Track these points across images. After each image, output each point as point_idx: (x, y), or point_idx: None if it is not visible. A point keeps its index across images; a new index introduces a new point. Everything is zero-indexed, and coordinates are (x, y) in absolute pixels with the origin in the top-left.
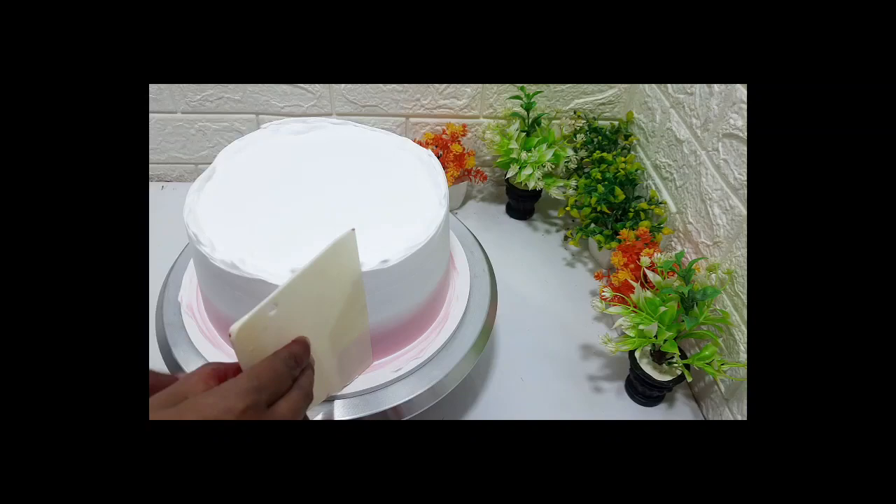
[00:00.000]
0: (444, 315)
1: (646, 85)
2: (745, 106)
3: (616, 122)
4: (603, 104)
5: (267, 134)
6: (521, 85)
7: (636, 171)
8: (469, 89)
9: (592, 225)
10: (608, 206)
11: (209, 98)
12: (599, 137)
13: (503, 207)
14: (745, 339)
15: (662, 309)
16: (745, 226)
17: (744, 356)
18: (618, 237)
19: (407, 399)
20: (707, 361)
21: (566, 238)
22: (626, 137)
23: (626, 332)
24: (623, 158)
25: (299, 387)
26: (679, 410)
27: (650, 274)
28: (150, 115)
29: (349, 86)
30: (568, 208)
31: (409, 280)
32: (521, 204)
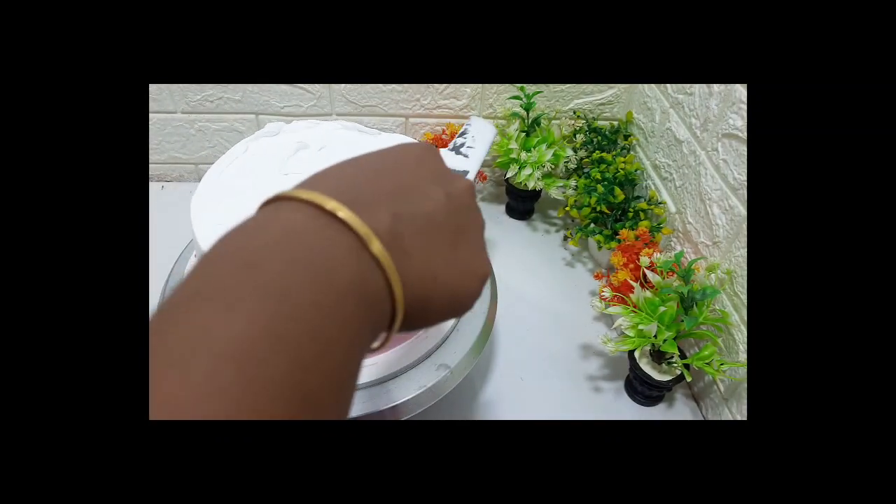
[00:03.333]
0: None
1: (645, 85)
2: (744, 106)
3: (615, 123)
4: (602, 104)
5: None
6: (520, 85)
7: (636, 171)
8: (469, 89)
9: (592, 225)
10: (608, 206)
11: (209, 98)
12: (599, 137)
13: (503, 207)
14: (745, 339)
15: (662, 309)
16: (744, 226)
17: (743, 356)
18: (617, 237)
19: (406, 399)
20: (706, 361)
21: (566, 238)
22: (626, 137)
23: (626, 332)
24: (623, 158)
25: None
26: (678, 410)
27: (650, 274)
28: (150, 115)
29: (349, 86)
30: (567, 208)
31: None
32: (521, 204)
